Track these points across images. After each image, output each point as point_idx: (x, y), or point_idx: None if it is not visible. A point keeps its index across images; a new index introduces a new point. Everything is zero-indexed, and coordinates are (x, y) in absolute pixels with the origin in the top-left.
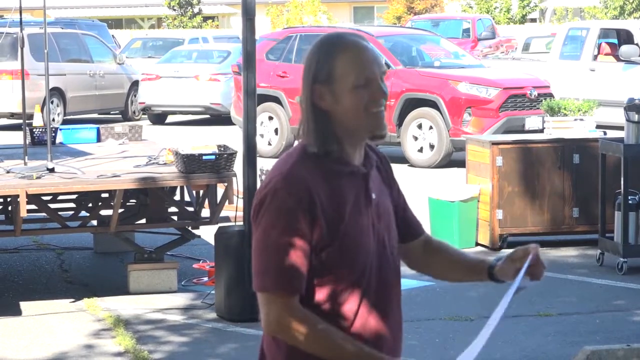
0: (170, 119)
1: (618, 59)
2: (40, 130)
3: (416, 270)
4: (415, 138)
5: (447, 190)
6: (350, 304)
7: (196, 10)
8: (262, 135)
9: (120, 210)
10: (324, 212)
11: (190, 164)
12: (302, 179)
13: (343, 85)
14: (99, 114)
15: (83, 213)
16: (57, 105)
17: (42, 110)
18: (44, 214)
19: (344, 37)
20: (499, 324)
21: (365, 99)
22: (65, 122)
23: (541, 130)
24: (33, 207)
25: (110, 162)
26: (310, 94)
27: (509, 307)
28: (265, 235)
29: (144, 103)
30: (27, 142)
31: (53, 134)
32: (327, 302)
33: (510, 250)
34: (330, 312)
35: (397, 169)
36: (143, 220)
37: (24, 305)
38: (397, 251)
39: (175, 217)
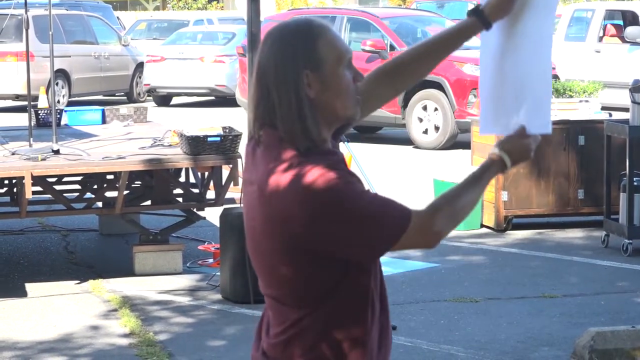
0: (175, 100)
1: (623, 40)
2: (45, 112)
3: (395, 93)
4: (420, 120)
5: (453, 172)
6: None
7: None
8: None
9: (125, 192)
10: None
11: (196, 145)
12: (340, 171)
13: (331, 67)
14: (104, 95)
15: (88, 195)
16: (62, 87)
17: (47, 92)
18: (49, 195)
19: (315, 21)
20: None
21: (351, 81)
22: (70, 103)
23: None
24: (38, 188)
25: (115, 143)
26: (298, 83)
27: None
28: (360, 211)
29: (149, 85)
30: (32, 124)
31: (58, 116)
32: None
33: None
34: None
35: (402, 151)
36: (148, 202)
37: (29, 286)
38: None
39: (180, 199)
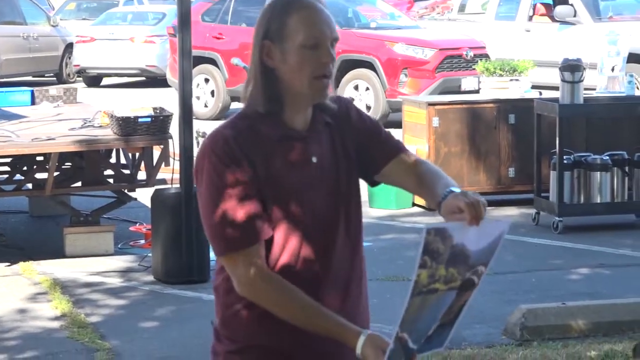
0: (105, 81)
1: (553, 19)
2: None
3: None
4: (352, 99)
5: None
6: (290, 266)
7: None
8: (198, 97)
9: (55, 174)
10: (254, 170)
11: (126, 126)
12: (227, 137)
13: (292, 43)
14: (33, 76)
15: (18, 176)
16: None
17: None
18: None
19: None
20: None
21: (312, 61)
22: None
23: (477, 91)
24: None
25: (45, 125)
26: (259, 51)
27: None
28: (205, 200)
29: (78, 65)
30: None
31: None
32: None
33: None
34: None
35: None
36: (79, 184)
37: None
38: (349, 212)
39: (111, 180)
